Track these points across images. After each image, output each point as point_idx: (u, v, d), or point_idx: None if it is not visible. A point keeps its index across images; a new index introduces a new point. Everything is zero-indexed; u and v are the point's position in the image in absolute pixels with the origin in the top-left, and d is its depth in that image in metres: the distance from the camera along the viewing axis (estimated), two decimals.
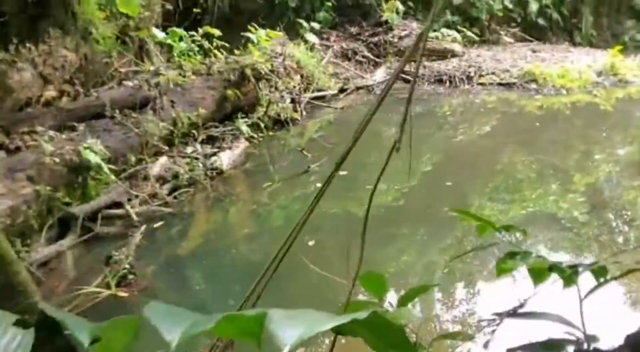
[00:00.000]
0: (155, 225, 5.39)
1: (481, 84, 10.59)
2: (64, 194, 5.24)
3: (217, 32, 8.66)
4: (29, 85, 6.69)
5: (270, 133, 8.19)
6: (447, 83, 10.78)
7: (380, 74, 11.45)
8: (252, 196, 6.19)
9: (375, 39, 12.04)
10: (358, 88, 10.82)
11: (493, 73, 10.76)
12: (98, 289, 4.23)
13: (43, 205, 5.03)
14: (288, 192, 6.18)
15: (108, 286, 4.25)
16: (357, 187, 6.41)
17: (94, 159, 5.32)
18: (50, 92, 6.91)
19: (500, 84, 10.50)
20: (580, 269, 1.08)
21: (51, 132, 5.68)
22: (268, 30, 9.55)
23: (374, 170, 7.16)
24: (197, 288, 4.58)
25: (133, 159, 6.14)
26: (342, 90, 10.56)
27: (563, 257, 4.73)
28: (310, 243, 4.87)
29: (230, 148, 7.19)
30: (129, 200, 5.70)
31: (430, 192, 6.39)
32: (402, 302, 1.23)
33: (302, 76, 9.91)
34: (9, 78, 6.35)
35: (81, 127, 5.97)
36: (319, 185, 6.21)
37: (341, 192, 6.29)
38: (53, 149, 5.22)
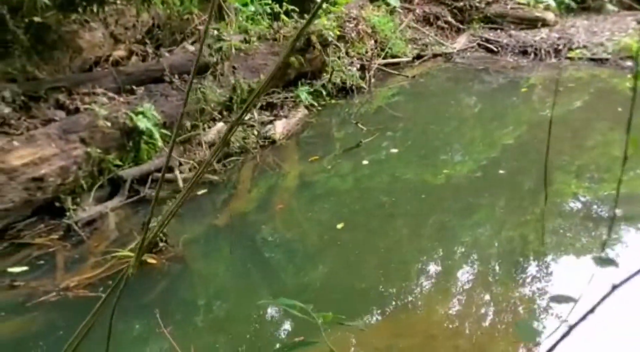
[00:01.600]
0: (199, 192, 5.52)
1: (570, 58, 9.76)
2: (115, 156, 5.46)
3: None
4: (99, 44, 6.95)
5: (333, 101, 8.06)
6: (532, 55, 10.04)
7: (462, 42, 10.87)
8: (297, 168, 6.16)
9: (461, 3, 11.38)
10: (435, 55, 10.35)
11: (585, 47, 9.87)
12: (130, 254, 4.41)
13: (93, 166, 5.28)
14: (332, 167, 6.09)
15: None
16: (433, 155, 6.32)
17: (144, 124, 5.48)
18: (120, 52, 7.15)
19: (591, 59, 9.62)
20: None
21: (110, 94, 5.90)
22: None
23: (451, 139, 6.96)
24: (226, 262, 4.67)
25: (188, 124, 6.27)
26: (418, 57, 10.15)
27: None
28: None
29: (287, 116, 7.16)
30: (180, 165, 5.87)
31: (510, 165, 6.09)
32: None
33: (375, 41, 9.62)
34: (79, 37, 6.63)
35: (140, 90, 6.16)
36: (365, 162, 6.09)
37: (417, 159, 6.24)
38: (107, 113, 5.42)
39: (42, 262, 4.51)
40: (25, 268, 4.40)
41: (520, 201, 5.35)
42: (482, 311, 3.80)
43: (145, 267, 4.32)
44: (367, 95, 8.48)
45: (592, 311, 0.98)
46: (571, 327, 0.96)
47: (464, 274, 4.31)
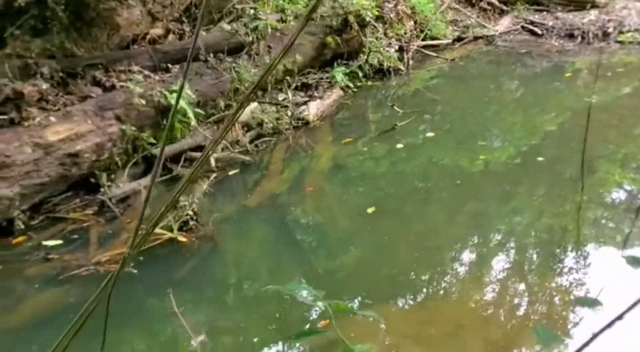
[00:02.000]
0: (231, 172, 5.52)
1: (620, 42, 9.35)
2: (149, 134, 5.49)
3: None
4: (137, 22, 6.97)
5: (369, 83, 7.93)
6: (579, 39, 9.66)
7: (504, 24, 10.55)
8: (329, 151, 6.08)
9: None
10: (476, 38, 10.07)
11: (636, 30, 9.44)
12: (162, 231, 4.44)
13: (128, 144, 5.32)
14: (365, 151, 5.99)
15: (171, 229, 4.45)
16: (471, 140, 6.16)
17: (179, 103, 5.47)
18: (157, 30, 7.16)
19: None
20: None
21: (146, 72, 5.92)
22: None
23: (490, 124, 6.79)
24: (255, 242, 4.66)
25: (222, 104, 6.25)
26: (458, 39, 9.90)
27: None
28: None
29: (321, 97, 7.08)
30: None
31: (550, 152, 5.89)
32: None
33: (415, 22, 9.41)
34: (117, 15, 6.65)
35: (175, 69, 6.16)
36: (400, 145, 5.97)
37: (454, 144, 6.10)
38: (142, 91, 5.44)
39: (76, 236, 4.58)
40: (59, 242, 4.48)
41: (559, 190, 5.17)
42: (515, 301, 3.69)
43: (176, 245, 4.35)
44: (404, 78, 8.32)
45: (620, 317, 0.89)
46: (595, 335, 0.88)
47: (498, 263, 4.19)
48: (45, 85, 5.16)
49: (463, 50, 9.63)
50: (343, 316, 3.66)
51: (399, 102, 7.25)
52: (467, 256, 4.32)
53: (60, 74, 5.44)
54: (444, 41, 9.68)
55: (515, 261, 4.19)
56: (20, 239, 4.47)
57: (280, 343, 3.50)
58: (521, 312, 3.60)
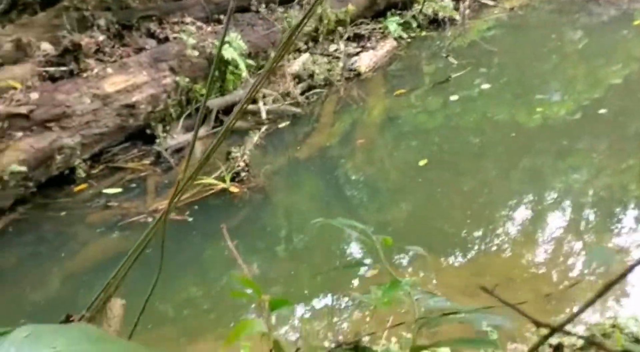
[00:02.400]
0: (281, 125, 5.54)
1: None
2: (202, 85, 5.55)
3: None
4: None
5: (423, 33, 7.70)
6: None
7: None
8: (381, 103, 6.00)
9: None
10: None
11: None
12: (215, 181, 4.54)
13: (182, 95, 5.40)
14: (417, 103, 5.88)
15: (223, 180, 4.54)
16: (529, 94, 5.97)
17: (230, 54, 5.49)
18: None
19: None
20: None
21: (198, 24, 5.94)
22: None
23: (550, 77, 6.53)
24: (306, 194, 4.71)
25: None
26: None
27: None
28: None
29: (374, 48, 6.94)
30: (263, 97, 5.88)
31: (614, 105, 5.60)
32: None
33: None
34: None
35: None
36: (454, 98, 5.82)
37: (511, 98, 5.92)
38: (195, 42, 5.47)
39: (134, 185, 4.75)
40: (119, 190, 4.66)
41: (622, 145, 4.95)
42: (570, 260, 3.62)
43: (228, 195, 4.44)
44: (460, 28, 8.03)
45: None
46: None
47: (553, 221, 4.08)
48: (101, 37, 5.26)
49: None
50: (391, 264, 3.69)
51: (454, 53, 7.04)
52: (521, 212, 4.23)
53: (116, 26, 5.53)
54: None
55: (571, 220, 4.08)
56: (82, 187, 4.66)
57: (329, 294, 3.58)
58: (574, 270, 3.53)
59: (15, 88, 4.45)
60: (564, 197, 4.32)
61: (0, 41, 4.85)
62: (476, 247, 3.73)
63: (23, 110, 4.28)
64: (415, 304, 1.01)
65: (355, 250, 3.94)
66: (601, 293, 0.70)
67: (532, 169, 4.74)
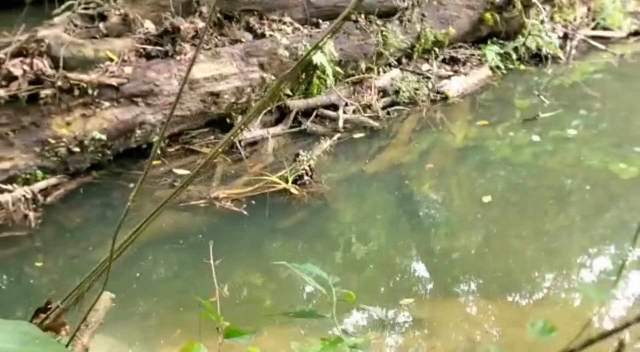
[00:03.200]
0: (356, 135, 5.53)
1: None
2: (287, 85, 5.64)
3: None
4: None
5: (522, 67, 7.44)
6: None
7: None
8: (462, 131, 5.85)
9: None
10: None
11: None
12: (277, 180, 4.61)
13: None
14: (499, 137, 5.69)
15: (286, 180, 4.60)
16: (627, 145, 5.66)
17: (320, 59, 5.55)
18: None
19: None
20: None
21: (296, 25, 6.05)
22: None
23: None
24: (365, 207, 4.67)
25: (363, 66, 6.23)
26: (634, 34, 8.89)
27: None
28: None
29: (466, 74, 6.78)
30: (345, 105, 5.91)
31: None
32: None
33: (588, 9, 8.61)
34: None
35: (325, 24, 6.21)
36: (536, 138, 5.57)
37: (606, 146, 5.62)
38: (288, 43, 5.58)
39: (203, 170, 4.90)
40: (187, 172, 4.82)
41: None
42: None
43: (287, 196, 4.49)
44: (562, 67, 7.70)
45: None
46: None
47: (628, 287, 3.71)
48: (201, 24, 5.47)
49: (638, 46, 8.65)
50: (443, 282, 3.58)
51: (551, 92, 6.76)
52: (588, 269, 3.98)
53: (218, 15, 5.73)
54: (618, 34, 8.75)
55: None
56: (156, 163, 4.87)
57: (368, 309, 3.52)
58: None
59: (112, 60, 4.72)
60: None
61: (110, 14, 5.15)
62: (524, 294, 3.54)
63: (114, 82, 4.53)
64: None
65: (407, 270, 3.85)
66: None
67: (618, 224, 4.43)
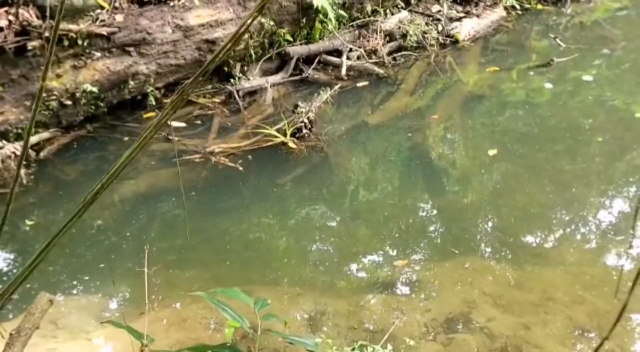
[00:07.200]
0: (360, 84, 5.32)
1: None
2: (288, 31, 5.40)
3: None
4: None
5: (539, 7, 7.03)
6: None
7: None
8: (471, 78, 5.58)
9: None
10: None
11: None
12: (275, 133, 4.47)
13: (265, 38, 5.29)
14: (510, 84, 5.42)
15: (285, 134, 4.46)
16: None
17: (320, 2, 5.27)
18: None
19: None
20: None
21: None
22: None
23: None
24: (365, 162, 4.53)
25: (369, 8, 5.92)
26: None
27: None
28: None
29: (479, 16, 6.43)
30: (349, 51, 5.66)
31: None
32: None
33: None
34: None
35: None
36: (548, 85, 5.30)
37: (629, 88, 5.36)
38: None
39: (199, 122, 4.77)
40: (183, 124, 4.71)
41: None
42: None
43: (285, 150, 4.36)
44: (583, 5, 7.26)
45: None
46: None
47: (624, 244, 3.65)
48: None
49: None
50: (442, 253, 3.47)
51: (571, 32, 6.39)
52: (586, 226, 3.83)
53: None
54: None
55: None
56: (151, 114, 4.74)
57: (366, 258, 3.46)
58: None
59: (102, 7, 4.51)
60: None
61: None
62: (521, 256, 3.43)
63: (104, 31, 4.35)
64: None
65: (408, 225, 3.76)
66: None
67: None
